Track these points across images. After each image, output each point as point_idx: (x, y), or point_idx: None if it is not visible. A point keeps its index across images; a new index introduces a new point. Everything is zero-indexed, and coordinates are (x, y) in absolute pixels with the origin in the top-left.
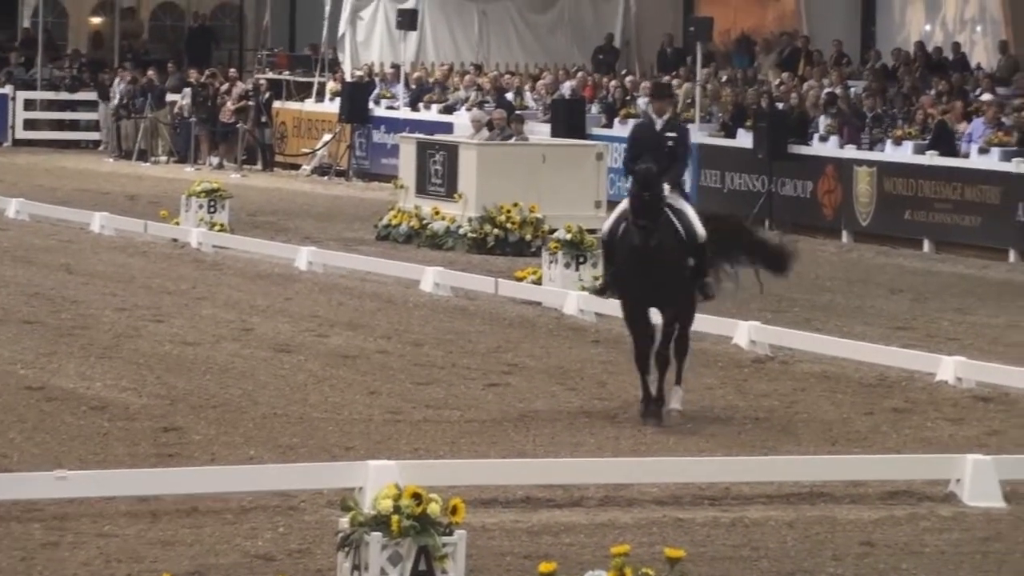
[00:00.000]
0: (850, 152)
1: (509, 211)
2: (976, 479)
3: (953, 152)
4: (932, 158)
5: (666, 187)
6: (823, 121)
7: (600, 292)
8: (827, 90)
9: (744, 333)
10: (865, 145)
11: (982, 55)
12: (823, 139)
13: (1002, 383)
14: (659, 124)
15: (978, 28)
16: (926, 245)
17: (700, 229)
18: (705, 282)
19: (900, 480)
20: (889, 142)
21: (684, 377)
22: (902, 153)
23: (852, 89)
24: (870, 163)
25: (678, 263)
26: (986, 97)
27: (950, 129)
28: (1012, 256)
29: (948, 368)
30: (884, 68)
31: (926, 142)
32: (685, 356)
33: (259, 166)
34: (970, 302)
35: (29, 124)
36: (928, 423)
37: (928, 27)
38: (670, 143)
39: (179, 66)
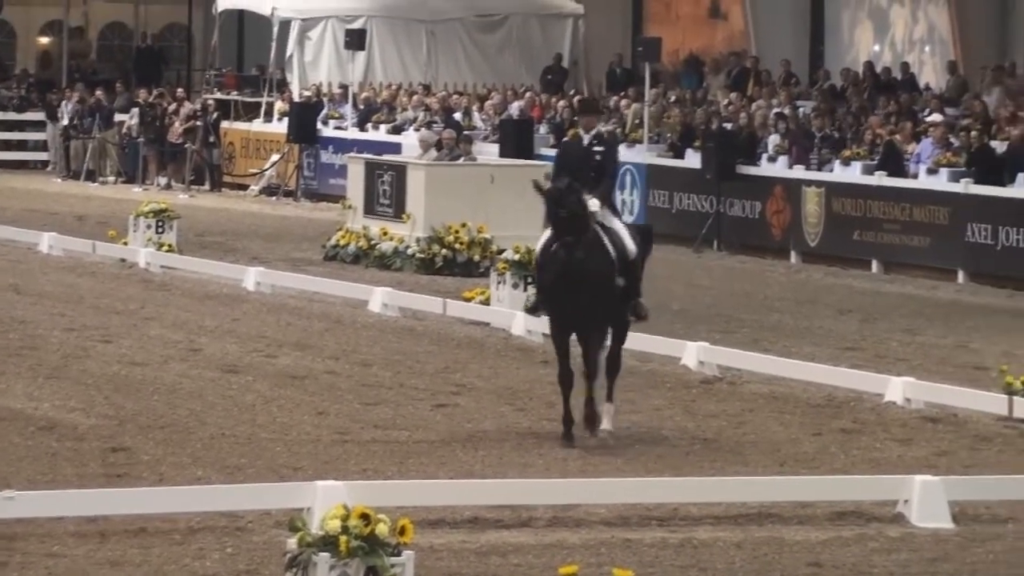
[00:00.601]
0: (799, 172)
1: (457, 231)
2: (924, 500)
3: (902, 173)
4: (881, 179)
5: (596, 203)
6: (772, 141)
7: (532, 311)
8: (776, 110)
9: (692, 354)
10: (814, 165)
11: (931, 75)
12: (772, 159)
13: (950, 404)
14: (586, 139)
15: (927, 48)
16: (875, 266)
17: (631, 246)
18: (637, 302)
19: (848, 501)
20: (838, 162)
21: (615, 396)
22: (851, 174)
23: (801, 109)
24: (819, 183)
25: (606, 282)
26: (935, 117)
27: (898, 149)
28: (961, 277)
29: (896, 389)
30: (833, 88)
31: (875, 162)
32: (616, 374)
33: (207, 186)
34: (919, 323)
35: None
36: (876, 444)
37: (877, 47)
38: (597, 157)
39: (127, 86)
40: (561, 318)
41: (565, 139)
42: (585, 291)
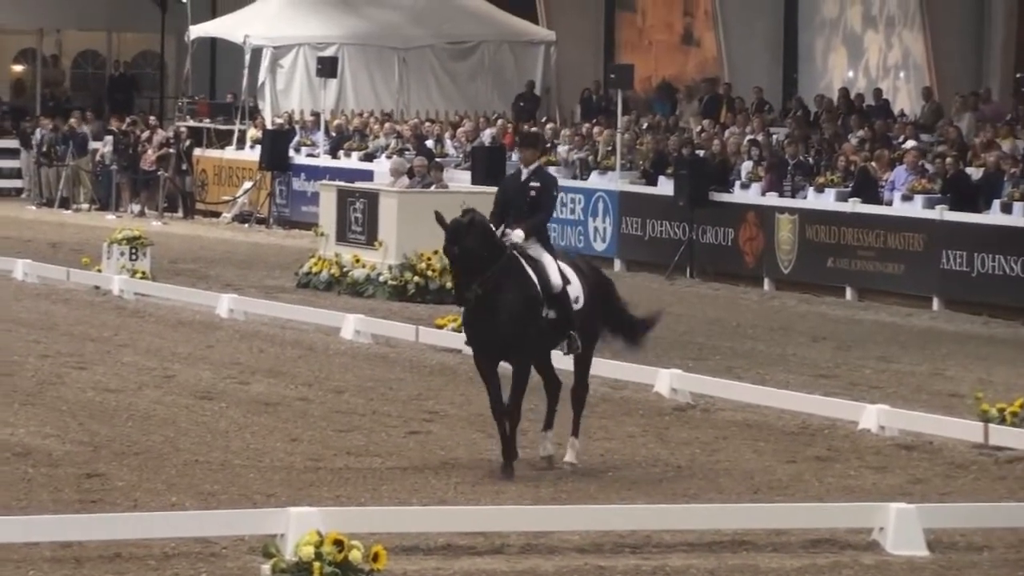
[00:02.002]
0: (772, 199)
1: (430, 259)
2: (899, 528)
3: (876, 199)
4: (855, 205)
5: (520, 235)
6: (745, 168)
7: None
8: (749, 137)
9: (665, 381)
10: (787, 192)
11: (905, 101)
12: (745, 186)
13: (925, 431)
14: (524, 174)
15: (901, 74)
16: (849, 293)
17: (556, 279)
18: (570, 334)
19: (823, 528)
20: (811, 189)
21: (580, 430)
22: (824, 200)
23: (774, 136)
24: (792, 210)
25: (522, 315)
26: (909, 144)
27: (873, 176)
28: (936, 304)
29: (871, 416)
30: (806, 115)
31: (848, 189)
32: (580, 407)
33: (180, 214)
34: (893, 350)
35: None
36: (851, 471)
37: (851, 73)
38: (532, 192)
39: (100, 114)
40: (479, 349)
41: (510, 173)
42: (497, 323)
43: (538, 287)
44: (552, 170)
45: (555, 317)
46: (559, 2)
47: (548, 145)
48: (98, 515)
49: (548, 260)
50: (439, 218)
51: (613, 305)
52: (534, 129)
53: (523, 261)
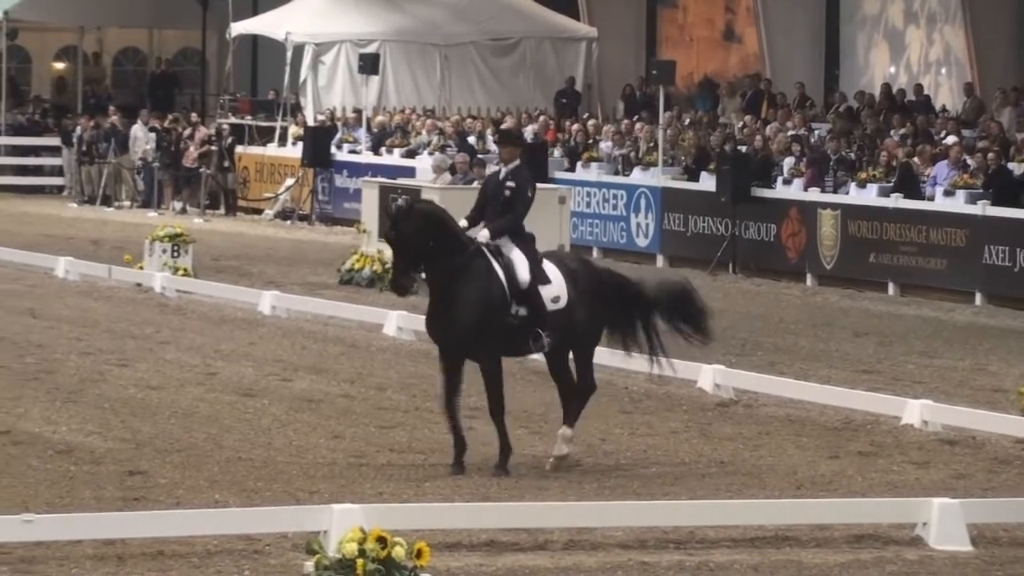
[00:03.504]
0: (814, 195)
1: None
2: (943, 522)
3: (918, 195)
4: (897, 201)
5: (485, 234)
6: (787, 164)
7: None
8: (791, 132)
9: (708, 377)
10: (829, 188)
11: (947, 97)
12: (787, 182)
13: (968, 426)
14: (503, 173)
15: (943, 70)
16: (891, 288)
17: (523, 277)
18: (536, 333)
19: (866, 524)
20: (853, 185)
21: (577, 422)
22: (866, 196)
23: (816, 132)
24: (834, 206)
25: (481, 313)
26: (951, 139)
27: (914, 172)
28: (978, 299)
29: (914, 411)
30: (848, 110)
31: (890, 185)
32: (582, 399)
33: (222, 211)
34: (936, 345)
35: None
36: (894, 466)
37: (893, 69)
38: (507, 192)
39: (134, 113)
40: (440, 347)
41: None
42: (454, 320)
43: (504, 285)
44: (596, 167)
45: (526, 315)
46: None
47: (590, 141)
48: (141, 512)
49: (518, 257)
50: (387, 210)
51: (639, 304)
52: (508, 127)
53: (491, 259)
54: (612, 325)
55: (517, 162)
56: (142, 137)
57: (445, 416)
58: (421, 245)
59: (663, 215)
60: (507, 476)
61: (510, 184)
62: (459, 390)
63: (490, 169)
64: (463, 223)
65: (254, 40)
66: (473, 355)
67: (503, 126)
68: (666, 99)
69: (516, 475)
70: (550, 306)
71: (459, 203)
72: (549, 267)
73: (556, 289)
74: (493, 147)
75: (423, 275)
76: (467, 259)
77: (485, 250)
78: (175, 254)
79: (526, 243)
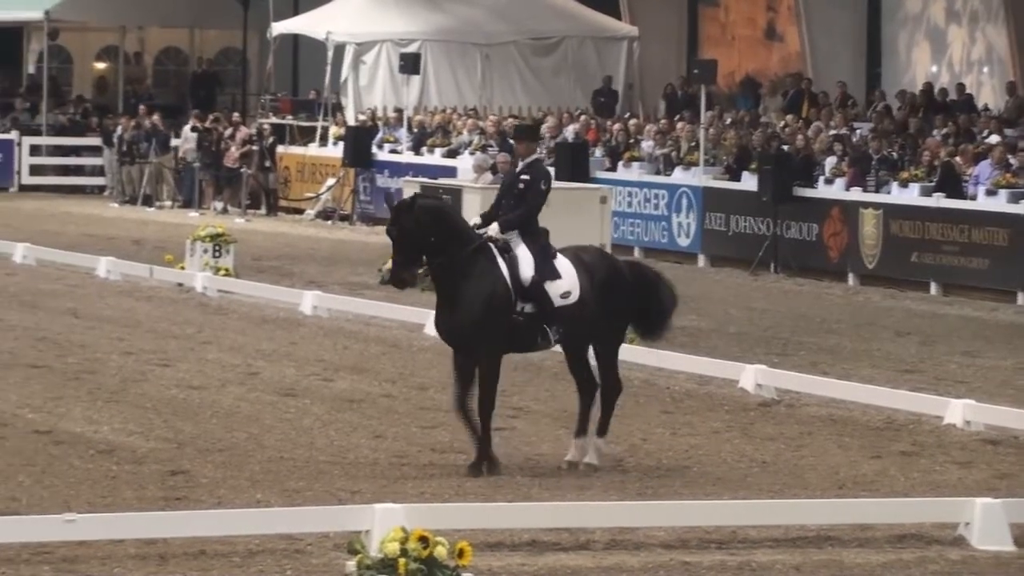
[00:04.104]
0: (856, 194)
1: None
2: (985, 522)
3: (960, 194)
4: (939, 200)
5: (495, 228)
6: (829, 163)
7: None
8: (833, 132)
9: (750, 376)
10: (871, 187)
11: (989, 96)
12: (829, 181)
13: (1011, 426)
14: (520, 167)
15: (985, 69)
16: (933, 288)
17: (526, 273)
18: (543, 329)
19: (909, 523)
20: (895, 184)
21: (609, 429)
22: (908, 195)
23: (858, 131)
24: (876, 205)
25: (482, 308)
26: (993, 139)
27: (957, 171)
28: (1020, 298)
29: (956, 411)
30: (889, 110)
31: (932, 184)
32: (610, 405)
33: (263, 211)
34: (978, 345)
35: (35, 169)
36: (936, 466)
37: (934, 68)
38: (521, 185)
39: (182, 111)
40: (447, 342)
41: None
42: (456, 315)
43: (508, 282)
44: (637, 166)
45: (532, 312)
46: None
47: (632, 140)
48: (182, 512)
49: (523, 253)
50: (387, 198)
51: (651, 299)
52: (526, 122)
53: (496, 254)
54: (636, 321)
55: (534, 156)
56: (190, 137)
57: (458, 416)
58: (422, 239)
59: (705, 215)
60: (480, 476)
61: (524, 178)
62: (472, 391)
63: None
64: (476, 219)
65: (295, 40)
66: (476, 351)
67: (520, 122)
68: (708, 98)
69: (557, 475)
70: (559, 302)
71: None
72: (562, 262)
73: (567, 284)
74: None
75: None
76: (470, 254)
77: (492, 246)
78: (216, 254)
79: (536, 238)
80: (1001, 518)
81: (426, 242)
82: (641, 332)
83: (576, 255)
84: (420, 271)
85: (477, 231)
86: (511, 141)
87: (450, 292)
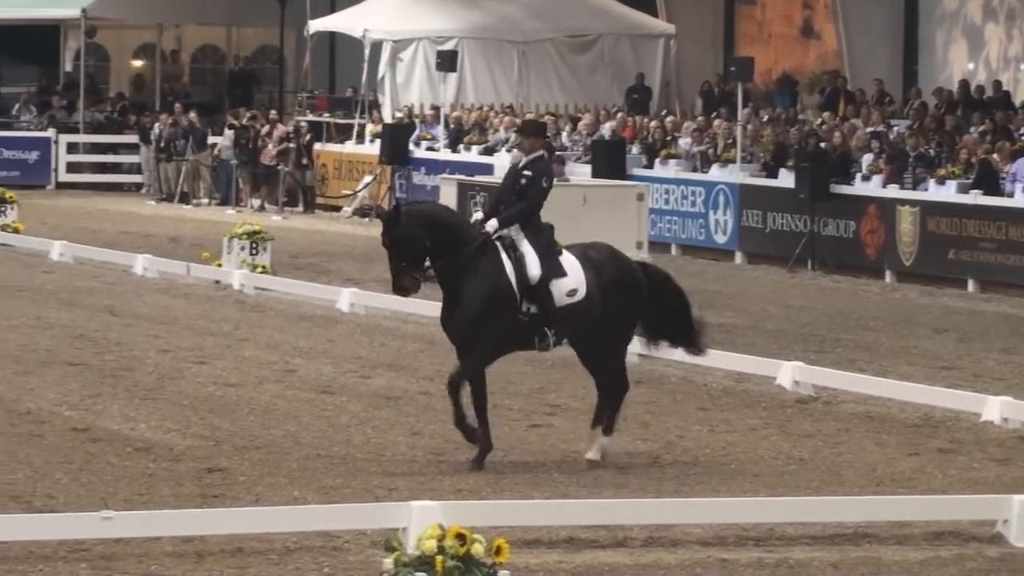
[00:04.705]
0: (893, 192)
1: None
2: (1023, 519)
3: (997, 191)
4: (976, 197)
5: (493, 224)
6: (866, 160)
7: None
8: (870, 129)
9: (787, 373)
10: (908, 184)
11: None
12: (865, 178)
13: None
14: (523, 162)
15: (1022, 66)
16: (971, 285)
17: (533, 272)
18: (544, 331)
19: (946, 521)
20: (932, 181)
21: (614, 428)
22: (946, 192)
23: (895, 128)
24: (913, 203)
25: (484, 305)
26: None
27: (994, 168)
28: None
29: (994, 408)
30: (926, 107)
31: (970, 181)
32: (614, 402)
33: (300, 208)
34: (1016, 342)
35: (72, 167)
36: (974, 463)
37: (971, 65)
38: (523, 181)
39: (219, 109)
40: (451, 341)
41: None
42: (457, 312)
43: (513, 282)
44: (674, 163)
45: (536, 312)
46: None
47: (669, 138)
48: (220, 509)
49: (528, 251)
50: (377, 212)
51: (663, 303)
52: (533, 117)
53: (502, 253)
54: (646, 320)
55: (538, 153)
56: (227, 135)
57: (450, 400)
58: (417, 246)
59: (742, 212)
60: (480, 471)
61: (526, 173)
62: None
63: (568, 167)
64: (478, 215)
65: (332, 37)
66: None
67: (528, 117)
68: (744, 96)
69: (595, 472)
70: (564, 300)
71: None
72: (568, 259)
73: (572, 282)
74: (567, 143)
75: (430, 272)
76: (472, 254)
77: (498, 244)
78: (253, 251)
79: (540, 235)
80: None
81: (422, 247)
82: (670, 340)
83: (583, 252)
84: (424, 274)
85: (477, 227)
86: (519, 137)
87: (453, 290)
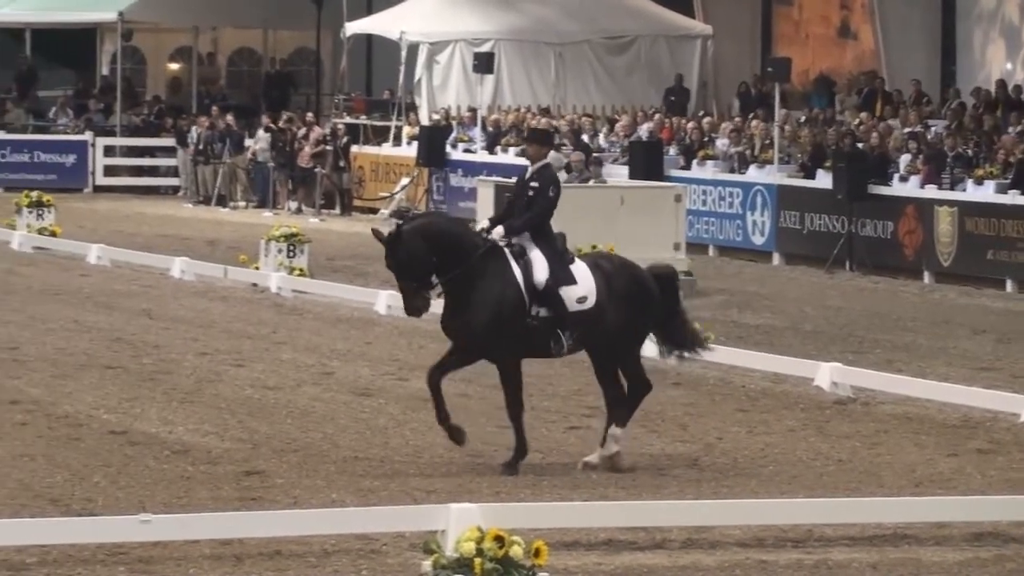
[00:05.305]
0: (931, 192)
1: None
2: None
3: None
4: (1014, 197)
5: (500, 231)
6: (904, 161)
7: None
8: (907, 129)
9: (826, 375)
10: (946, 185)
11: None
12: (903, 179)
13: None
14: (529, 172)
15: None
16: (1009, 285)
17: (540, 277)
18: (556, 333)
19: (985, 522)
20: (970, 182)
21: (627, 426)
22: (984, 192)
23: (933, 128)
24: (951, 203)
25: (492, 311)
26: None
27: None
28: None
29: None
30: (963, 107)
31: (1008, 181)
32: (626, 402)
33: (337, 210)
34: None
35: (109, 170)
36: (1013, 464)
37: (1009, 65)
38: (530, 192)
39: (255, 112)
40: (454, 343)
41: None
42: (464, 319)
43: (521, 286)
44: (711, 165)
45: (547, 316)
46: None
47: (706, 139)
48: (258, 512)
49: (537, 257)
50: (376, 234)
51: (670, 310)
52: (541, 125)
53: (510, 259)
54: (658, 327)
55: (544, 161)
56: (264, 137)
57: (428, 385)
58: (424, 264)
59: (779, 213)
60: (515, 475)
61: (533, 185)
62: (449, 371)
63: (606, 168)
64: (485, 223)
65: (368, 39)
66: (489, 357)
67: (534, 124)
68: (782, 96)
69: (633, 474)
70: (574, 307)
71: (574, 202)
72: (579, 267)
73: (583, 290)
74: (604, 144)
75: (437, 288)
76: (479, 261)
77: (506, 251)
78: (291, 254)
79: (550, 243)
80: None
81: (428, 264)
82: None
83: (594, 261)
84: (433, 292)
85: (483, 235)
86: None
87: (460, 299)
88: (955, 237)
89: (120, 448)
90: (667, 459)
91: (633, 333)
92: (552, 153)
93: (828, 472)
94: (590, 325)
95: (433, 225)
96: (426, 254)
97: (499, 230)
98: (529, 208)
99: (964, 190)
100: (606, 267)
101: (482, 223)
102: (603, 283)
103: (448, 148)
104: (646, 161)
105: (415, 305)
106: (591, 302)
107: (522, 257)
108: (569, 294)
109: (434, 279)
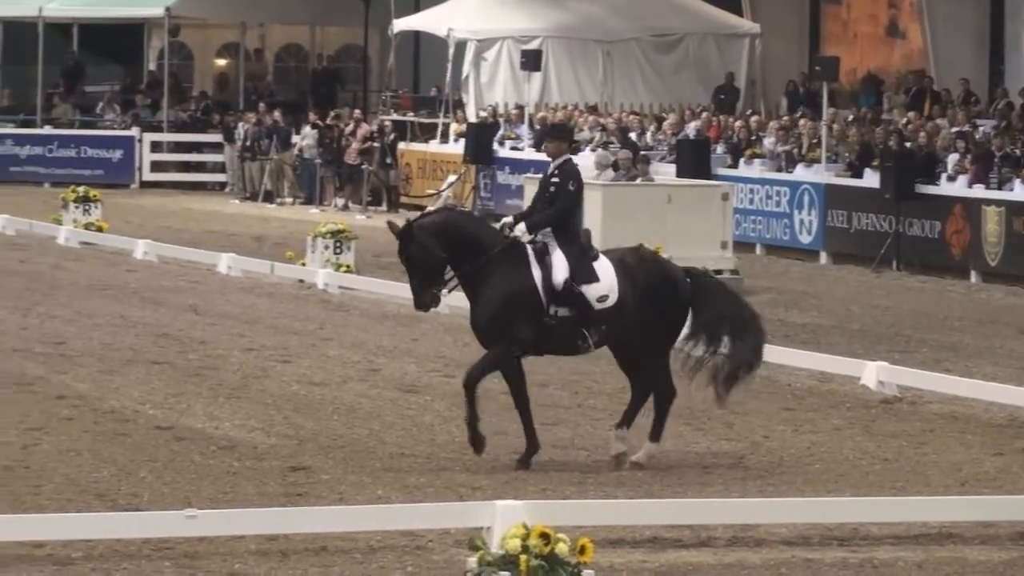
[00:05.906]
0: (978, 191)
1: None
2: None
3: None
4: None
5: (522, 228)
6: (951, 160)
7: None
8: (955, 129)
9: (872, 374)
10: (994, 184)
11: None
12: (951, 178)
13: None
14: (551, 168)
15: None
16: None
17: (558, 277)
18: (581, 332)
19: None
20: (1018, 181)
21: (663, 436)
22: None
23: (981, 128)
24: (999, 202)
25: (503, 305)
26: None
27: None
28: None
29: None
30: (1011, 107)
31: None
32: (663, 405)
33: (384, 207)
34: None
35: (156, 166)
36: None
37: None
38: (552, 188)
39: (302, 108)
40: (476, 337)
41: None
42: (477, 312)
43: (538, 283)
44: (758, 163)
45: (569, 315)
46: None
47: (753, 137)
48: (304, 508)
49: (558, 257)
50: (391, 227)
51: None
52: (560, 121)
53: (530, 254)
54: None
55: (565, 157)
56: (311, 134)
57: (465, 400)
58: (436, 260)
59: (826, 212)
60: (527, 470)
61: (554, 179)
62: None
63: (653, 166)
64: (508, 219)
65: (416, 36)
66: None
67: (555, 120)
68: (829, 95)
69: (679, 471)
70: (596, 305)
71: (622, 200)
72: (603, 264)
73: (604, 288)
74: (650, 142)
75: (451, 284)
76: (496, 256)
77: (528, 248)
78: (337, 250)
79: (573, 240)
80: None
81: (438, 260)
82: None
83: (620, 258)
84: (444, 288)
85: (505, 232)
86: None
87: (475, 292)
88: (1002, 237)
89: (166, 443)
90: (713, 457)
91: (658, 330)
92: (600, 151)
93: (874, 471)
94: (613, 322)
95: (448, 221)
96: (436, 249)
97: (521, 227)
98: (551, 204)
99: (1012, 190)
100: (631, 263)
101: (505, 220)
102: (626, 280)
103: (495, 145)
104: (694, 159)
105: (423, 300)
106: (612, 300)
107: (544, 256)
108: (590, 292)
109: (448, 274)
